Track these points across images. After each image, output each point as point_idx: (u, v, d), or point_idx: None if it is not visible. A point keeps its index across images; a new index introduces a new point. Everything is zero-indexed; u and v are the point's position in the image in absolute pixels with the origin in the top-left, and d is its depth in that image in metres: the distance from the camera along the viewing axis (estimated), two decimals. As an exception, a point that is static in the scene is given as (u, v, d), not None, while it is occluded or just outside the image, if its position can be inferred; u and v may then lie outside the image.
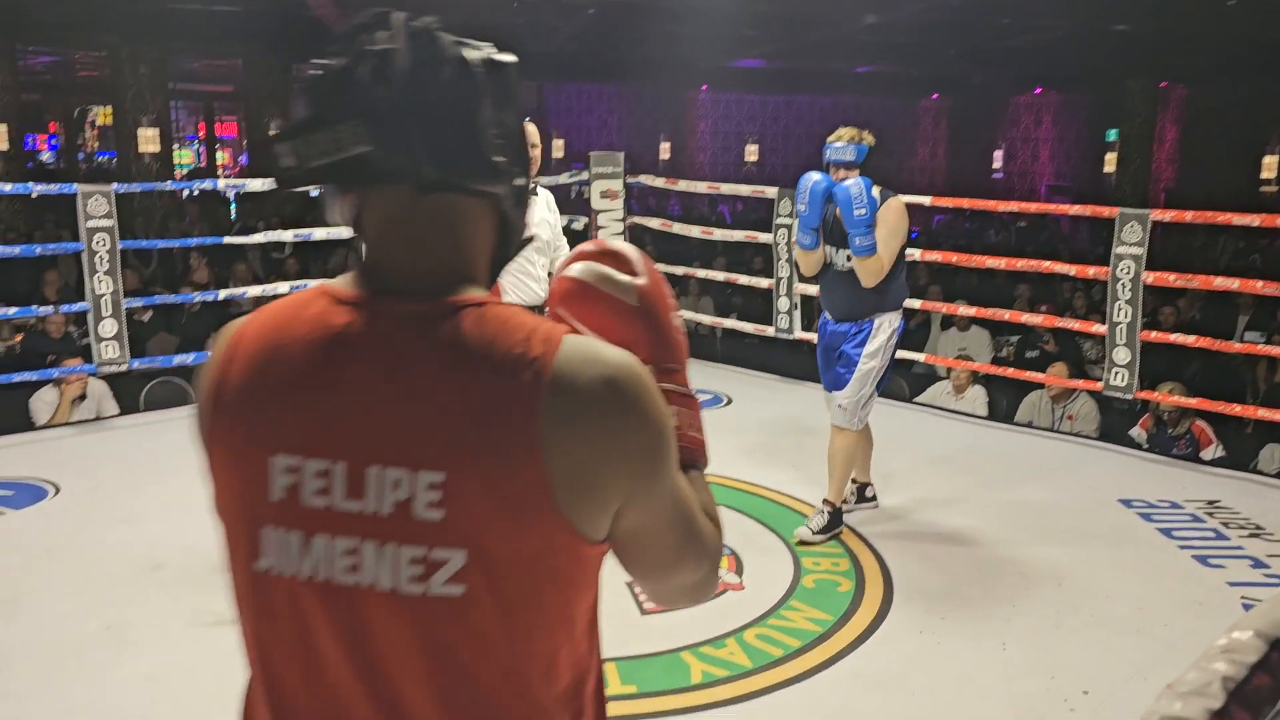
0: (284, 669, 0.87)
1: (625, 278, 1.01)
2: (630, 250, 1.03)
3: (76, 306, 5.30)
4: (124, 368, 5.18)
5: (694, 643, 2.88)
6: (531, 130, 3.58)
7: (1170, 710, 0.88)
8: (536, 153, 3.49)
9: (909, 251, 5.75)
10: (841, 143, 3.55)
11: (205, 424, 0.90)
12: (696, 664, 2.79)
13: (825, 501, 3.67)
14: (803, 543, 3.59)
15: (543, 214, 3.62)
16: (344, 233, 6.03)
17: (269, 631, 0.88)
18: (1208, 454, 4.96)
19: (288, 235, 6.31)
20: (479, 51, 0.88)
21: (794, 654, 2.86)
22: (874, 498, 3.96)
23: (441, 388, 0.82)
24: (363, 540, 0.82)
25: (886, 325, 3.62)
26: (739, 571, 3.39)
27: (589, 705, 0.93)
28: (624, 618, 2.98)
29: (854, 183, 3.44)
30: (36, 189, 5.67)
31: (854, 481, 3.95)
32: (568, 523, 0.83)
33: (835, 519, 3.66)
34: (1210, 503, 4.16)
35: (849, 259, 3.57)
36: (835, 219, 3.59)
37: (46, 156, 15.34)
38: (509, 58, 0.90)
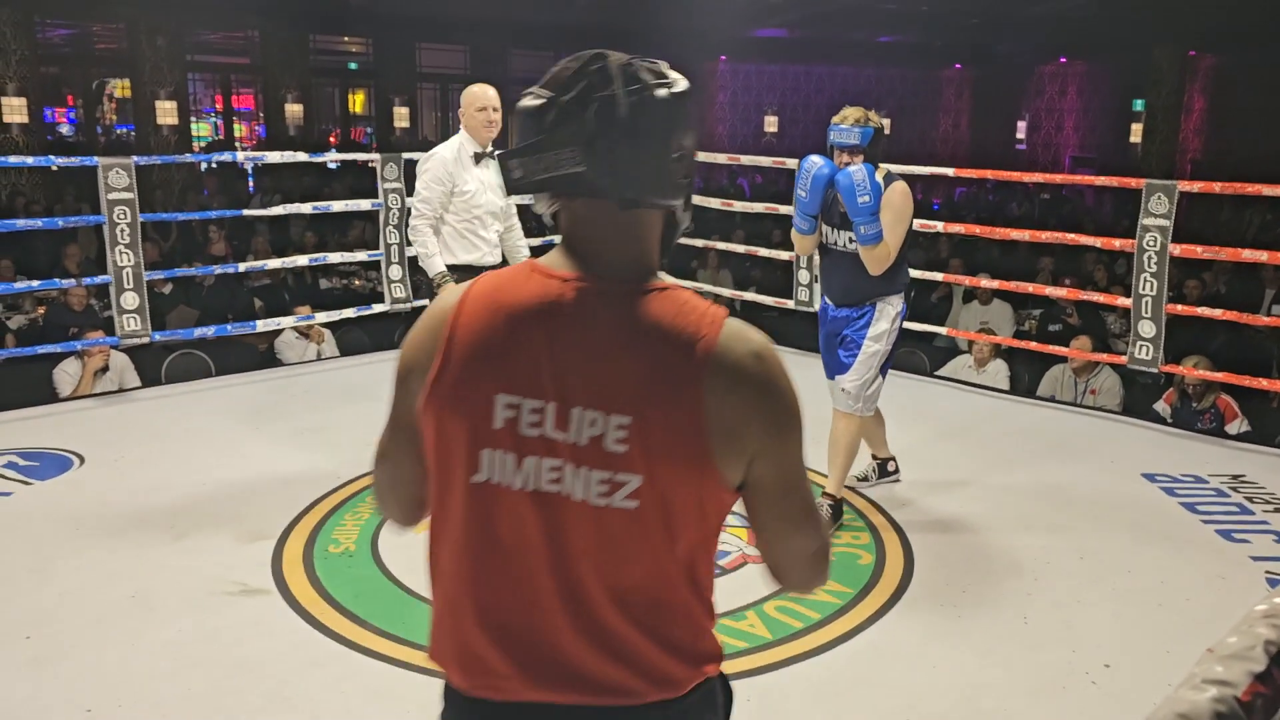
0: (490, 567, 1.09)
1: None
2: None
3: (98, 279, 5.32)
4: (146, 340, 5.21)
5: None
6: (492, 95, 3.74)
7: (1212, 673, 0.87)
8: (497, 116, 3.70)
9: (930, 224, 5.69)
10: (846, 125, 3.38)
11: (430, 367, 1.10)
12: (717, 635, 2.79)
13: (825, 494, 3.55)
14: None
15: (499, 180, 3.70)
16: (362, 205, 6.07)
17: (478, 537, 1.09)
18: (1233, 428, 4.91)
19: (306, 208, 6.31)
20: (670, 86, 1.09)
21: (814, 626, 2.86)
22: (896, 471, 3.94)
23: (631, 351, 1.06)
24: (565, 462, 1.06)
25: (890, 310, 3.52)
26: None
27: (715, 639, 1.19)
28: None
29: (857, 169, 3.29)
30: (58, 162, 5.69)
31: (874, 458, 3.93)
32: (715, 467, 1.06)
33: (836, 513, 3.52)
34: (1235, 477, 4.12)
35: (850, 240, 3.47)
36: (835, 200, 3.45)
37: (65, 129, 15.33)
38: (686, 85, 1.12)
